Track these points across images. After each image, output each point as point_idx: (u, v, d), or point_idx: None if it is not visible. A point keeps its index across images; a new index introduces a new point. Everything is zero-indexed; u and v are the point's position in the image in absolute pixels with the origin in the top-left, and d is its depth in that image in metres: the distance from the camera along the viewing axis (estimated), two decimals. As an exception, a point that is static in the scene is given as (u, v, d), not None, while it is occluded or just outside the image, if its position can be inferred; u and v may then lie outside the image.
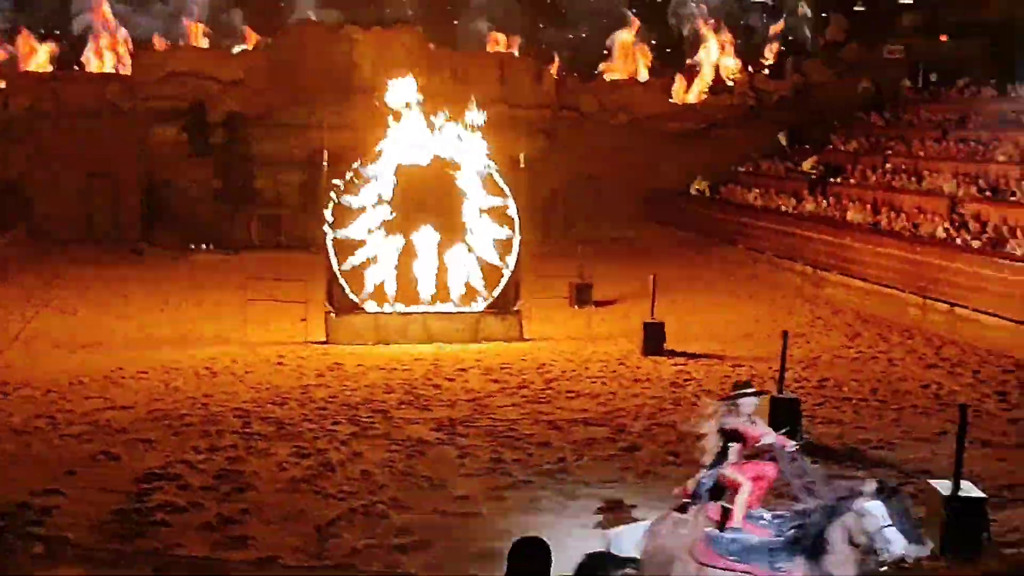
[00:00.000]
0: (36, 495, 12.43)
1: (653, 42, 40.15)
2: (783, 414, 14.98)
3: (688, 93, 39.37)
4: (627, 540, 8.98)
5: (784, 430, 9.41)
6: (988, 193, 26.51)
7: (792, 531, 8.36)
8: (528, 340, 21.79)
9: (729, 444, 8.86)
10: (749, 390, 9.21)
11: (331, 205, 21.79)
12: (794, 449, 8.94)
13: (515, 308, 22.21)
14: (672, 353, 20.45)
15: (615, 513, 12.20)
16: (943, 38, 38.40)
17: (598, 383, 18.44)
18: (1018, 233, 23.45)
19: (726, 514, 8.56)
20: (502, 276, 22.30)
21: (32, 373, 18.61)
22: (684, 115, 38.65)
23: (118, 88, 35.07)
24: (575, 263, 25.93)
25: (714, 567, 8.36)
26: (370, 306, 21.98)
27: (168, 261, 31.94)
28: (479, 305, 22.11)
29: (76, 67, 36.49)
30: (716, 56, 39.93)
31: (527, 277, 22.89)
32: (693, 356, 20.44)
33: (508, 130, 34.75)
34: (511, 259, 22.40)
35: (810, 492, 8.56)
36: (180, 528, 11.66)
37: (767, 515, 8.71)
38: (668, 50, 40.22)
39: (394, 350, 20.72)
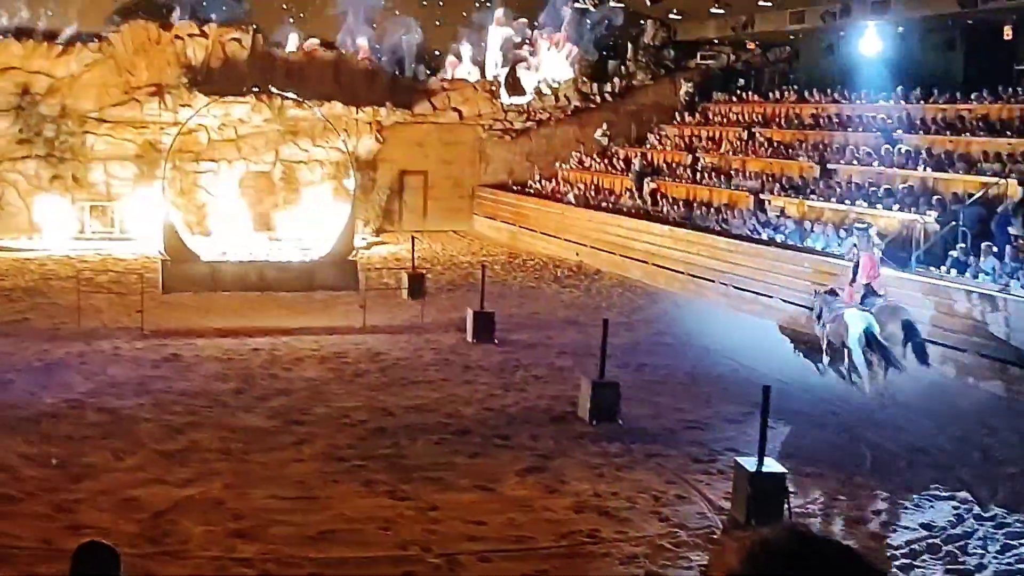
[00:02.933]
0: None
1: (484, 43, 40.65)
2: (604, 398, 15.88)
3: (516, 93, 40.12)
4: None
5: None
6: (790, 189, 28.11)
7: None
8: (364, 331, 22.02)
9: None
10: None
11: (169, 168, 22.16)
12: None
13: (350, 258, 22.46)
14: (501, 341, 21.12)
15: (446, 493, 12.84)
16: (751, 46, 40.20)
17: (431, 370, 18.96)
18: (815, 227, 25.03)
19: None
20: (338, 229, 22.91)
21: None
22: (511, 114, 39.45)
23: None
24: (409, 254, 26.34)
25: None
26: (206, 255, 22.02)
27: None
28: (315, 254, 22.48)
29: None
30: (544, 57, 40.75)
31: (362, 267, 23.22)
32: (521, 343, 21.15)
33: (343, 127, 35.27)
34: (347, 212, 22.98)
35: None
36: (17, 518, 11.68)
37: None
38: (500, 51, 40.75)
39: (232, 342, 20.69)
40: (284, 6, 36.84)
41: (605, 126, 39.37)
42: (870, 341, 17.35)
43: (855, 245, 19.50)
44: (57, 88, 34.37)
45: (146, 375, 18.12)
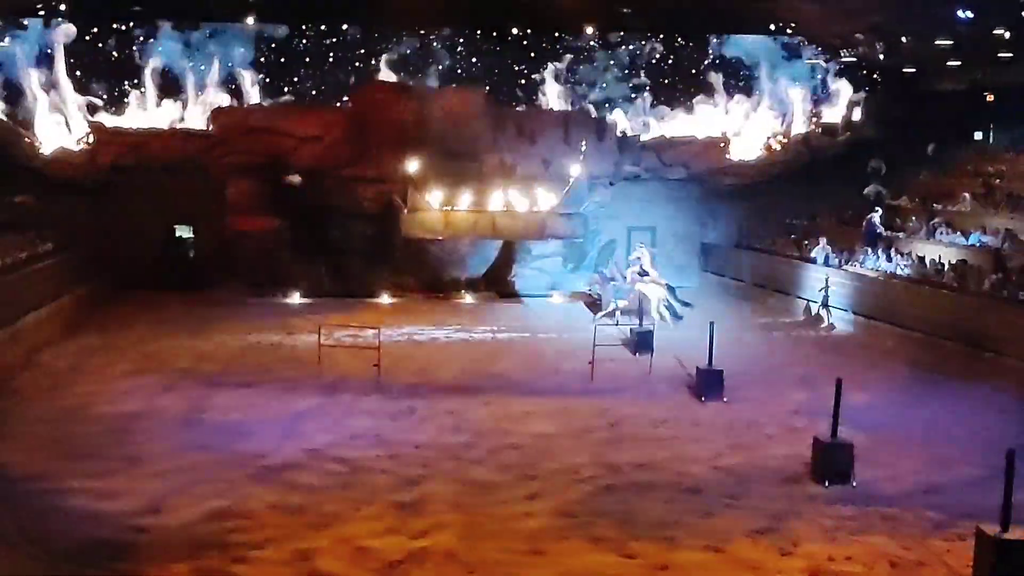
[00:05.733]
0: (119, 531, 13.11)
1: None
2: (837, 459, 15.55)
3: (744, 150, 39.86)
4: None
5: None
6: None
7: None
8: (592, 387, 22.07)
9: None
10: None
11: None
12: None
13: (580, 210, 23.89)
14: (730, 398, 20.92)
15: (676, 552, 12.79)
16: (989, 97, 38.85)
17: (659, 427, 18.91)
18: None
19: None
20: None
21: (117, 408, 19.43)
22: (739, 171, 39.17)
23: (199, 143, 36.10)
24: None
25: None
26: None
27: (243, 308, 31.98)
28: (545, 205, 24.62)
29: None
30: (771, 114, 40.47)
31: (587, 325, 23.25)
32: (750, 401, 20.87)
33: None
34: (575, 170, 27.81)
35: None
36: (258, 563, 12.27)
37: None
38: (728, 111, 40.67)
39: (463, 396, 20.96)
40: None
41: (875, 161, 38.75)
42: (667, 303, 29.19)
43: (639, 257, 30.58)
44: (296, 148, 36.03)
45: (382, 427, 18.61)
